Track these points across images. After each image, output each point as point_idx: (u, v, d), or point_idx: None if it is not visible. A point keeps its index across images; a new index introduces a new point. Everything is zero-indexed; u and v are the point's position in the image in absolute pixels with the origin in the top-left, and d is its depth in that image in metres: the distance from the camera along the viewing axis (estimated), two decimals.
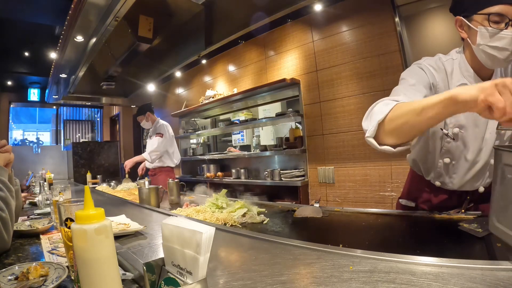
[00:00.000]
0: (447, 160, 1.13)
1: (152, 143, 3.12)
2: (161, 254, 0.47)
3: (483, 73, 1.04)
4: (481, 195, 1.14)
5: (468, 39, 1.01)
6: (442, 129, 1.09)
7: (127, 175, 3.03)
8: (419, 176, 1.27)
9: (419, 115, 0.76)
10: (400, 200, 1.37)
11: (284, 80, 3.20)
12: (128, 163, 3.08)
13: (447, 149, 1.12)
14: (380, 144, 0.88)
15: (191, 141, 5.20)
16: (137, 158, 3.15)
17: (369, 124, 0.90)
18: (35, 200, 1.96)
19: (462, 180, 1.13)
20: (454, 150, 1.11)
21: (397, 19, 2.53)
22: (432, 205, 1.23)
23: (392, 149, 0.86)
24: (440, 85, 1.06)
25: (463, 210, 1.15)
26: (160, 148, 3.08)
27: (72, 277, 0.63)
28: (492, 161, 1.07)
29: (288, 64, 3.45)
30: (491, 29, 0.92)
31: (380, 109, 0.89)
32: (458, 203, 1.18)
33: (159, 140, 3.08)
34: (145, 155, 3.08)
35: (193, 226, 0.42)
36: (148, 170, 3.34)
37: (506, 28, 0.91)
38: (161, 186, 1.94)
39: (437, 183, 1.19)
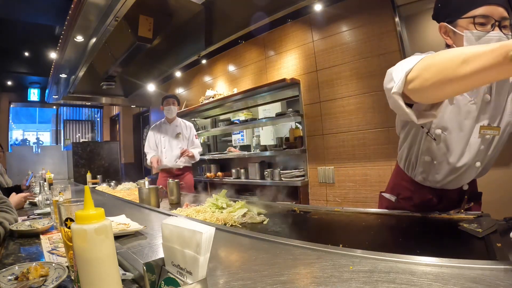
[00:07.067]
0: (428, 158, 1.11)
1: (197, 144, 3.15)
2: (161, 254, 0.47)
3: None
4: (476, 195, 1.13)
5: (454, 45, 0.98)
6: (422, 127, 1.06)
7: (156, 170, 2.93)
8: (403, 172, 1.26)
9: (459, 66, 0.59)
10: (383, 193, 1.37)
11: (284, 80, 3.20)
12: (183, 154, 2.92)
13: (427, 148, 1.10)
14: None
15: None
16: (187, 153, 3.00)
17: (395, 77, 0.75)
18: (35, 200, 1.96)
19: (444, 180, 1.12)
20: (435, 150, 1.08)
21: (397, 19, 2.53)
22: (414, 203, 1.22)
23: (415, 118, 0.75)
24: None
25: (462, 210, 1.15)
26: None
27: (72, 277, 0.63)
28: (477, 164, 1.06)
29: (288, 64, 3.45)
30: (476, 32, 0.89)
31: (407, 63, 0.74)
32: (438, 203, 1.18)
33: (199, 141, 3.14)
34: (195, 153, 3.03)
35: (193, 226, 0.42)
36: (158, 171, 3.11)
37: (492, 30, 0.88)
38: (161, 186, 1.94)
39: (419, 178, 1.19)
